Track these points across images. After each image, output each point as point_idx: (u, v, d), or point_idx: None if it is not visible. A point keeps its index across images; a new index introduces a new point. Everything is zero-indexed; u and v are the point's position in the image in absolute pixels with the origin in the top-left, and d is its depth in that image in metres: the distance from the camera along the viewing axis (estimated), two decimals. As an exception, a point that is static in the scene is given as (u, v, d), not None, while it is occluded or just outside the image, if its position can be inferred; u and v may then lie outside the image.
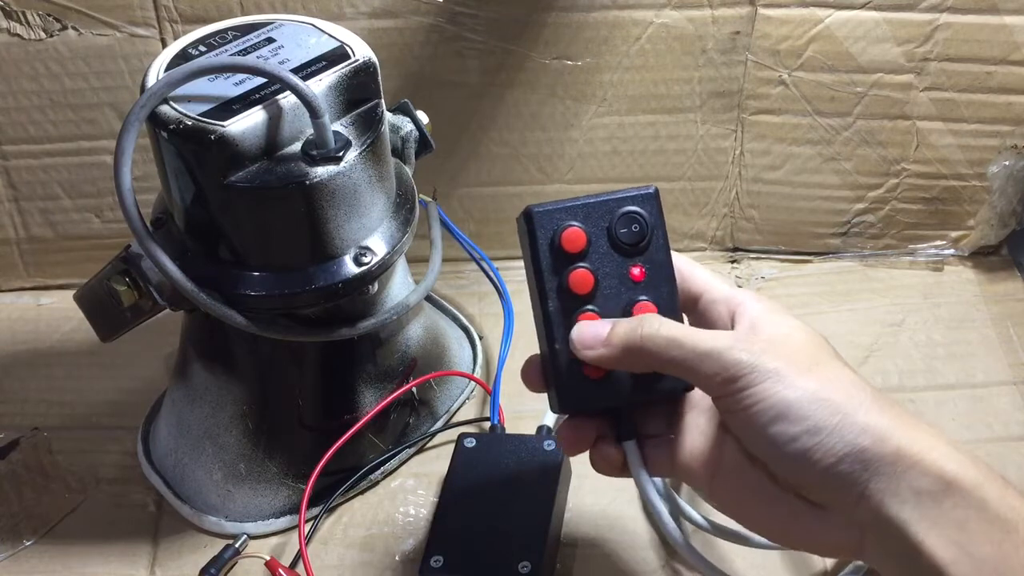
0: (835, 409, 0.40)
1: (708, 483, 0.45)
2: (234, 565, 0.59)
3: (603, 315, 0.46)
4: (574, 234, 0.46)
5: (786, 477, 0.42)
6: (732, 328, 0.45)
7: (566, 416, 0.48)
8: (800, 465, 0.40)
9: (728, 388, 0.41)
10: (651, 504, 0.47)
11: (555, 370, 0.46)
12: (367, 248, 0.55)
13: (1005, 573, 0.37)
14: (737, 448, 0.44)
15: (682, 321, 0.46)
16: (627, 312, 0.46)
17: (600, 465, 0.47)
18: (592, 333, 0.45)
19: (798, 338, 0.43)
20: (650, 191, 0.47)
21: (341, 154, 0.52)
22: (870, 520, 0.39)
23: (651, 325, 0.43)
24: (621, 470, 0.47)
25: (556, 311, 0.46)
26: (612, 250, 0.46)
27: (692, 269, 0.48)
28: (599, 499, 0.62)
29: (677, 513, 0.57)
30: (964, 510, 0.38)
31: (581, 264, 0.46)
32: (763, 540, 0.52)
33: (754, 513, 0.44)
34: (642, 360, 0.43)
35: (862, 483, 0.39)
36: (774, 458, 0.41)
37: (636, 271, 0.46)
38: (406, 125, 0.61)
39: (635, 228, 0.46)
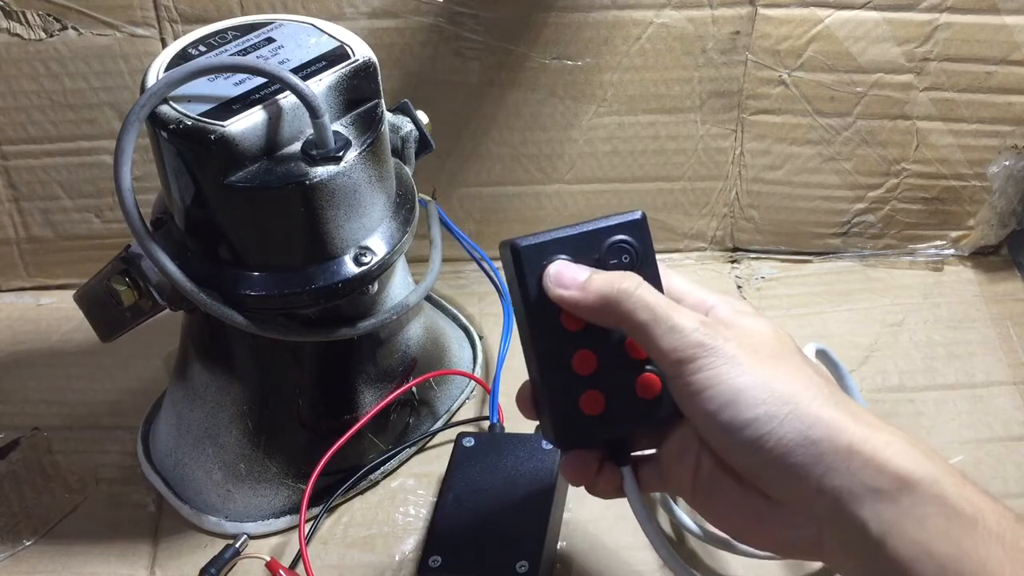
0: (786, 399, 0.40)
1: (691, 491, 0.46)
2: (234, 565, 0.59)
3: (597, 352, 0.45)
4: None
5: (743, 469, 0.42)
6: None
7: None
8: (753, 454, 0.40)
9: (681, 368, 0.41)
10: (648, 531, 0.47)
11: (552, 409, 0.46)
12: (367, 248, 0.55)
13: (966, 570, 0.36)
14: (711, 453, 0.44)
15: None
16: (621, 345, 0.45)
17: (599, 490, 0.48)
18: (570, 274, 0.44)
19: (764, 334, 0.43)
20: (637, 217, 0.46)
21: (341, 154, 0.52)
22: (829, 517, 0.39)
23: (631, 282, 0.43)
24: (617, 492, 0.48)
25: (549, 351, 0.45)
26: None
27: (670, 279, 0.47)
28: (598, 499, 0.62)
29: (677, 525, 0.57)
30: (923, 507, 0.38)
31: None
32: (749, 548, 0.52)
33: (725, 515, 0.45)
34: (611, 314, 0.43)
35: (816, 476, 0.39)
36: (728, 447, 0.41)
37: None
38: (406, 125, 0.61)
39: (625, 259, 0.45)
